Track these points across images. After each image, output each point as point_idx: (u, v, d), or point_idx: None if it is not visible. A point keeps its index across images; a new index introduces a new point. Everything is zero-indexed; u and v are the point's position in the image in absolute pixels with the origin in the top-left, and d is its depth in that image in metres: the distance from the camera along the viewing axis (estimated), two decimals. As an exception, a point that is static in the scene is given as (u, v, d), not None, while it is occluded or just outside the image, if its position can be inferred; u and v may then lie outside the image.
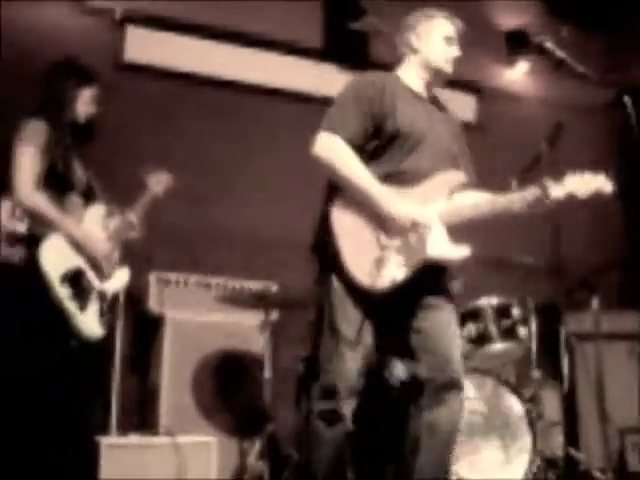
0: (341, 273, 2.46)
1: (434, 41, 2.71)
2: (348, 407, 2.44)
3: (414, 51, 2.73)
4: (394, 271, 2.44)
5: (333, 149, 2.50)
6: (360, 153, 2.53)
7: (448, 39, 2.71)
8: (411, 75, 2.73)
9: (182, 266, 4.34)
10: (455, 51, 2.72)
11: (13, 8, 4.37)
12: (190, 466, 3.45)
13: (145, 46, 4.73)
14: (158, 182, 3.52)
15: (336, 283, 2.49)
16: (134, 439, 3.54)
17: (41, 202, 3.02)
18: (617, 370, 4.54)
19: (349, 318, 2.45)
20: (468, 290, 4.10)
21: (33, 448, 2.88)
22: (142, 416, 4.15)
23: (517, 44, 5.75)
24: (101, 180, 3.39)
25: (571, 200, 2.42)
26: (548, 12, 5.94)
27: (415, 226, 2.45)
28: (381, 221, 2.47)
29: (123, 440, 3.52)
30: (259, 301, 3.91)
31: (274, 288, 4.33)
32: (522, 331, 3.82)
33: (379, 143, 2.56)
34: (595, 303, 4.10)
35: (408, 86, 2.70)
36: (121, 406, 3.89)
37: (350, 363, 2.44)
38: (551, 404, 4.21)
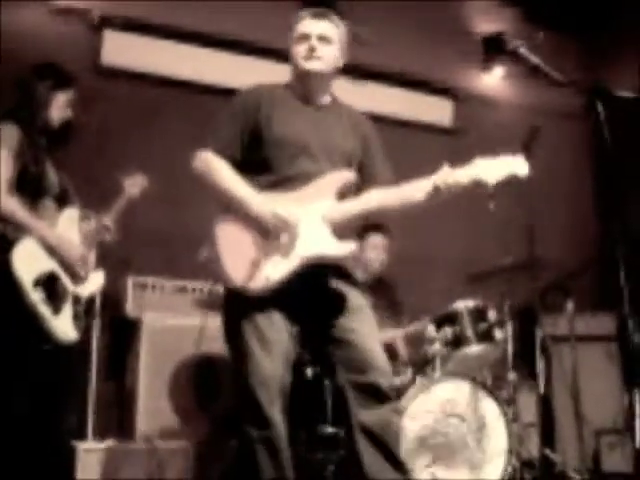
0: (223, 280, 2.51)
1: (293, 44, 2.72)
2: (277, 410, 2.41)
3: (290, 62, 2.76)
4: (268, 270, 2.45)
5: (204, 163, 2.61)
6: (244, 165, 2.60)
7: (301, 37, 2.68)
8: (295, 81, 2.75)
9: (159, 270, 4.33)
10: (311, 43, 2.66)
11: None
12: (167, 471, 3.44)
13: (123, 50, 4.72)
14: (134, 185, 3.52)
15: (230, 291, 2.53)
16: (111, 444, 3.52)
17: (13, 206, 3.00)
18: (592, 372, 4.60)
19: (249, 323, 2.46)
20: (444, 293, 4.15)
21: (8, 453, 2.86)
22: (119, 421, 4.13)
23: (493, 49, 5.78)
24: (78, 183, 3.37)
25: (479, 187, 2.44)
26: (524, 17, 6.01)
27: (284, 225, 2.47)
28: (259, 224, 2.50)
29: (100, 445, 3.50)
30: (219, 304, 3.89)
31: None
32: (498, 334, 3.84)
33: (262, 154, 2.60)
34: (570, 305, 4.15)
35: (292, 92, 2.72)
36: (98, 410, 3.88)
37: (267, 369, 2.41)
38: (527, 406, 4.24)
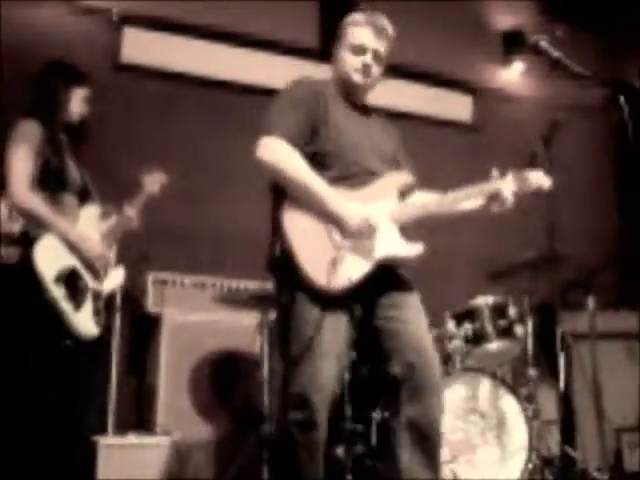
0: (299, 277, 2.42)
1: (343, 51, 2.69)
2: (324, 414, 2.39)
3: (334, 58, 2.75)
4: (349, 270, 2.42)
5: (278, 152, 2.49)
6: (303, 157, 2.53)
7: (358, 48, 2.65)
8: (336, 81, 2.73)
9: (179, 266, 4.35)
10: (366, 60, 2.65)
11: (10, 8, 4.38)
12: (186, 466, 3.46)
13: (142, 46, 4.74)
14: (153, 181, 3.53)
15: (297, 288, 2.45)
16: (131, 439, 3.54)
17: (35, 203, 3.02)
18: (613, 369, 4.55)
19: (316, 324, 2.40)
20: (464, 289, 4.13)
21: (30, 448, 2.89)
22: (139, 416, 4.15)
23: (513, 44, 5.77)
24: (98, 180, 3.39)
25: (516, 199, 2.53)
26: (543, 12, 5.97)
27: (365, 225, 2.45)
28: (333, 221, 2.46)
29: (120, 440, 3.52)
30: (256, 301, 3.92)
31: (270, 287, 4.33)
32: (518, 330, 3.82)
33: (318, 148, 2.56)
34: (591, 302, 4.12)
35: (337, 93, 2.70)
36: (118, 406, 3.90)
37: (324, 370, 2.39)
38: (547, 403, 4.22)
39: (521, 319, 3.87)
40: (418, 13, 5.37)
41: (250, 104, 4.92)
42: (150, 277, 4.22)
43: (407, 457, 2.43)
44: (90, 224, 3.27)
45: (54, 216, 3.05)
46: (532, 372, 3.89)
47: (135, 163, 3.61)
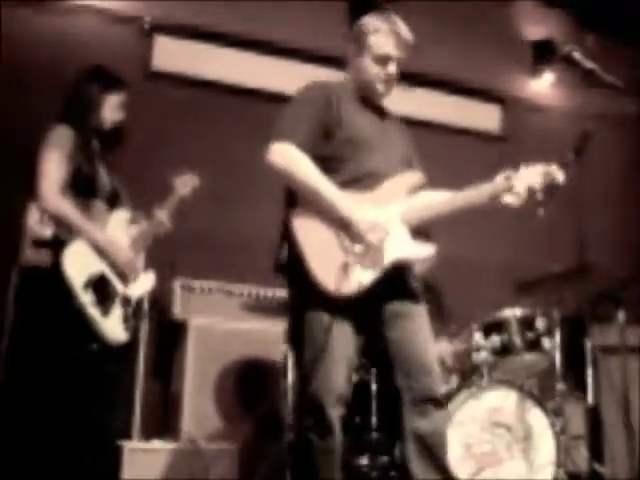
0: (310, 282, 2.42)
1: (367, 57, 2.66)
2: (336, 417, 2.41)
3: (352, 62, 2.73)
4: (360, 275, 2.42)
5: (288, 157, 2.50)
6: (314, 161, 2.53)
7: (383, 57, 2.64)
8: (359, 86, 2.72)
9: (207, 273, 4.36)
10: (390, 70, 2.65)
11: (44, 17, 4.45)
12: (211, 473, 3.46)
13: (172, 54, 4.79)
14: (185, 184, 3.54)
15: (308, 294, 2.46)
16: (156, 444, 3.55)
17: (65, 207, 3.05)
18: (643, 384, 4.49)
19: (326, 328, 2.41)
20: (492, 300, 4.09)
21: (56, 451, 2.91)
22: (164, 422, 4.16)
23: (543, 54, 5.74)
24: (129, 185, 3.42)
25: (531, 194, 2.45)
26: (573, 22, 5.93)
27: (374, 229, 2.44)
28: (343, 226, 2.45)
29: (145, 445, 3.53)
30: (283, 309, 3.91)
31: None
32: (547, 343, 3.78)
33: (330, 151, 2.56)
34: (621, 315, 4.06)
35: (352, 94, 2.70)
36: (143, 411, 3.91)
37: (334, 373, 2.41)
38: (575, 417, 4.16)
39: (549, 332, 3.83)
40: (448, 23, 5.37)
41: (278, 112, 4.96)
42: (177, 283, 4.24)
43: (416, 468, 2.45)
44: (119, 229, 3.29)
45: (84, 221, 3.08)
46: (560, 386, 3.84)
47: (164, 169, 3.63)
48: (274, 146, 2.53)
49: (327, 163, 2.54)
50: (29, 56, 4.33)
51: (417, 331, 2.54)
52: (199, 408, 4.01)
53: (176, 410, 4.06)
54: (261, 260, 4.65)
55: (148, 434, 3.82)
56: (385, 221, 2.48)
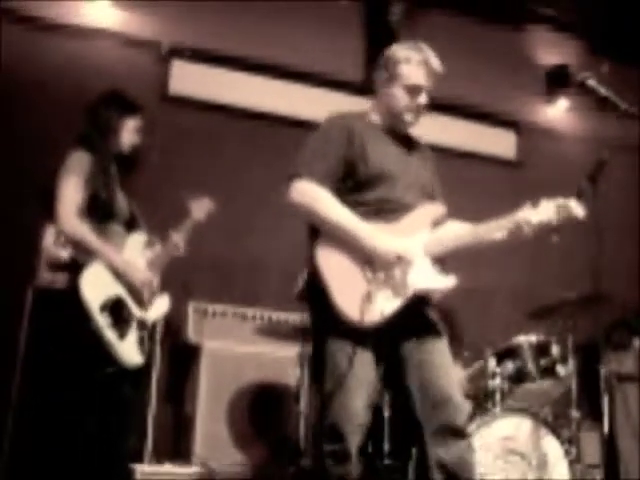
0: (332, 312, 2.44)
1: (396, 88, 2.66)
2: (355, 445, 2.43)
3: (380, 91, 2.73)
4: (382, 305, 2.44)
5: (309, 194, 2.53)
6: (337, 194, 2.55)
7: (412, 88, 2.64)
8: (380, 113, 2.73)
9: (220, 296, 4.37)
10: (420, 100, 2.65)
11: (60, 40, 4.51)
12: (223, 497, 3.45)
13: (190, 79, 4.83)
14: (200, 208, 3.56)
15: (331, 322, 2.47)
16: (168, 467, 3.54)
17: (83, 230, 3.08)
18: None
19: (349, 357, 2.43)
20: (505, 326, 4.07)
21: (69, 472, 2.90)
22: (176, 445, 4.15)
23: (558, 81, 5.75)
24: (144, 207, 3.44)
25: (546, 228, 2.46)
26: (588, 48, 5.94)
27: (398, 259, 2.45)
28: (366, 256, 2.47)
29: (157, 468, 3.52)
30: (296, 333, 3.91)
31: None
32: (561, 370, 3.75)
33: (354, 183, 2.58)
34: (637, 343, 4.03)
35: (377, 124, 2.71)
36: (156, 434, 3.90)
37: (355, 401, 2.43)
38: (591, 446, 4.12)
39: (564, 359, 3.80)
40: (463, 49, 5.39)
41: (294, 138, 4.98)
42: (191, 307, 4.25)
43: None
44: (136, 252, 3.30)
45: (101, 243, 3.09)
46: (575, 413, 3.80)
47: (180, 192, 3.64)
48: (294, 184, 2.56)
49: (350, 196, 2.56)
50: (46, 80, 4.39)
51: (437, 361, 2.53)
52: (212, 431, 4.01)
53: (188, 433, 4.05)
54: (275, 284, 4.70)
55: (160, 457, 3.81)
56: (409, 252, 2.48)
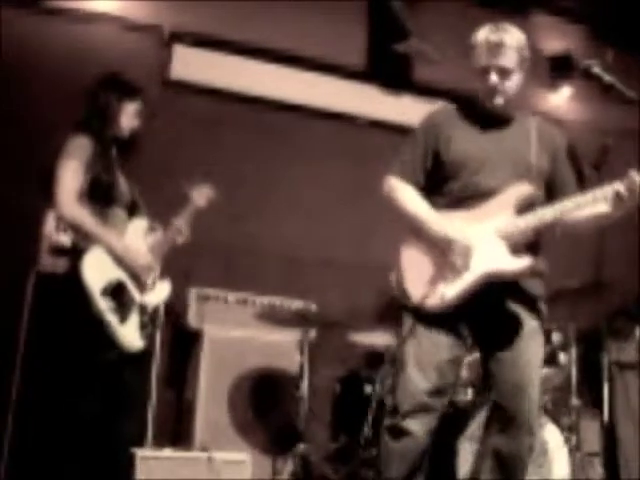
0: (405, 297, 2.60)
1: (474, 72, 2.68)
2: (417, 423, 2.49)
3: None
4: (444, 289, 2.50)
5: (392, 189, 2.71)
6: (429, 188, 2.68)
7: (479, 71, 2.64)
8: (476, 101, 2.72)
9: (221, 282, 4.37)
10: (492, 80, 2.61)
11: (62, 24, 4.49)
12: (223, 482, 3.45)
13: (191, 64, 4.81)
14: (201, 195, 3.56)
15: (405, 308, 2.62)
16: (169, 452, 3.55)
17: (82, 215, 3.06)
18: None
19: (416, 339, 2.54)
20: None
21: (69, 457, 2.91)
22: (177, 430, 4.17)
23: (561, 69, 5.72)
24: (146, 193, 3.42)
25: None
26: (592, 36, 5.91)
27: (455, 245, 2.49)
28: (436, 244, 2.55)
29: (158, 453, 3.53)
30: (297, 320, 3.92)
31: (313, 307, 4.34)
32: (562, 358, 3.76)
33: (441, 175, 2.66)
34: (638, 331, 4.03)
35: (467, 111, 2.72)
36: (157, 420, 3.91)
37: (416, 382, 2.51)
38: (590, 434, 4.12)
39: (565, 346, 3.80)
40: (465, 35, 5.35)
41: (296, 123, 4.98)
42: (192, 293, 4.24)
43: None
44: (137, 237, 3.29)
45: (101, 228, 3.08)
46: (575, 401, 3.80)
47: (182, 178, 3.64)
48: (385, 180, 2.74)
49: (438, 189, 2.67)
50: (46, 64, 4.37)
51: (520, 351, 2.54)
52: (212, 417, 4.02)
53: (189, 419, 4.06)
54: (276, 270, 4.70)
55: (161, 442, 3.82)
56: (476, 235, 2.50)
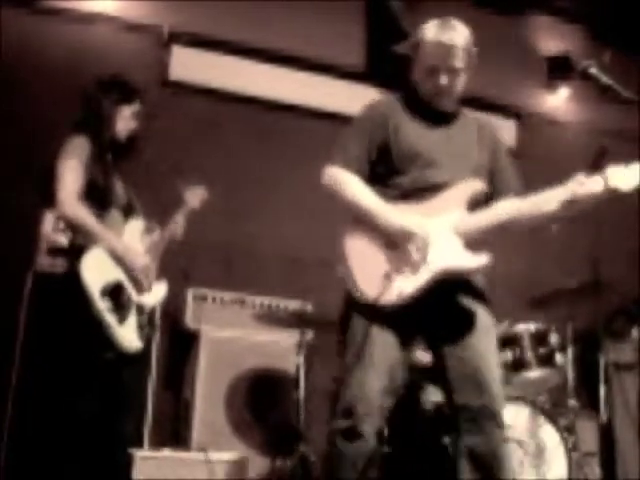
0: (355, 292, 2.48)
1: (420, 69, 2.65)
2: (370, 425, 2.42)
3: (413, 76, 2.70)
4: (401, 285, 2.42)
5: (334, 179, 2.61)
6: (373, 179, 2.59)
7: (428, 70, 2.61)
8: (420, 97, 2.70)
9: (220, 283, 4.37)
10: (441, 81, 2.59)
11: (60, 24, 4.49)
12: (221, 483, 3.46)
13: (190, 65, 4.82)
14: (195, 196, 3.56)
15: (354, 304, 2.51)
16: (166, 453, 3.55)
17: (83, 214, 3.07)
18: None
19: (364, 335, 2.43)
20: (504, 314, 4.07)
21: (67, 457, 2.91)
22: (175, 431, 4.17)
23: (559, 69, 5.73)
24: (142, 195, 3.43)
25: (614, 196, 2.38)
26: (590, 36, 5.92)
27: (413, 239, 2.44)
28: (387, 237, 2.48)
29: (156, 453, 3.53)
30: (295, 320, 3.92)
31: (310, 308, 4.35)
32: (559, 359, 3.76)
33: (388, 167, 2.60)
34: (636, 332, 4.04)
35: (417, 107, 2.68)
36: (155, 420, 3.91)
37: (370, 383, 2.42)
38: (588, 434, 4.13)
39: (562, 347, 3.80)
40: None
41: (294, 123, 4.98)
42: (190, 293, 4.25)
43: None
44: (134, 238, 3.30)
45: (102, 228, 3.09)
46: (572, 402, 3.81)
47: (179, 178, 3.64)
48: (326, 170, 2.65)
49: (384, 179, 2.60)
50: (45, 64, 4.38)
51: (476, 347, 2.50)
52: (210, 418, 4.02)
53: (187, 419, 4.06)
54: (274, 271, 4.70)
55: (159, 443, 3.82)
56: (432, 232, 2.45)
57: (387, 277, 2.42)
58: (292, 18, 5.03)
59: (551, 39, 5.88)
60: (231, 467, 3.53)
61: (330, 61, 5.15)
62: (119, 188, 3.28)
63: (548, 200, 2.44)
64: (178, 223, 3.45)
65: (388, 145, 2.59)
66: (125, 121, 3.31)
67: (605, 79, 2.57)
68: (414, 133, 2.61)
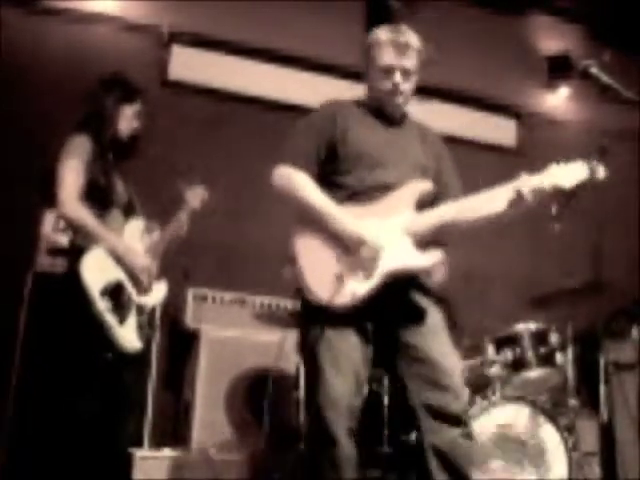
0: (308, 295, 2.47)
1: (374, 70, 2.67)
2: (342, 428, 2.40)
3: (365, 75, 2.73)
4: (354, 286, 2.43)
5: (285, 178, 2.61)
6: (321, 179, 2.59)
7: (384, 69, 2.63)
8: (371, 100, 2.73)
9: (219, 283, 4.37)
10: (395, 80, 2.62)
11: (60, 25, 4.49)
12: (221, 482, 3.46)
13: (190, 64, 4.82)
14: (195, 196, 3.56)
15: (308, 306, 2.50)
16: (167, 452, 3.55)
17: (84, 214, 3.06)
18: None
19: (322, 340, 2.43)
20: (504, 314, 4.07)
21: (68, 457, 2.91)
22: (175, 431, 4.17)
23: (559, 69, 5.73)
24: (143, 195, 3.43)
25: (558, 193, 2.42)
26: (590, 36, 5.91)
27: (365, 241, 2.44)
28: (339, 238, 2.48)
29: (156, 453, 3.53)
30: (295, 319, 3.91)
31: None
32: (559, 358, 3.76)
33: (336, 166, 2.61)
34: (636, 332, 4.04)
35: (367, 110, 2.71)
36: (155, 420, 3.92)
37: (336, 388, 2.41)
38: (588, 434, 4.13)
39: (562, 347, 3.80)
40: (463, 36, 5.37)
41: (294, 124, 4.97)
42: (190, 293, 4.25)
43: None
44: (134, 238, 3.29)
45: (102, 228, 3.08)
46: (572, 401, 3.80)
47: (179, 178, 3.64)
48: (276, 169, 2.64)
49: (332, 179, 2.60)
50: (46, 64, 4.38)
51: (431, 346, 2.51)
52: (210, 417, 4.02)
53: (187, 419, 4.06)
54: (274, 270, 4.67)
55: (159, 442, 3.82)
56: (384, 232, 2.47)
57: (339, 279, 2.42)
58: (292, 18, 5.03)
59: (551, 39, 5.88)
60: (231, 467, 3.53)
61: (330, 61, 5.15)
62: (120, 188, 3.27)
63: (494, 198, 2.48)
64: (182, 222, 3.44)
65: (335, 145, 2.61)
66: (127, 120, 3.30)
67: (605, 79, 2.58)
68: (363, 133, 2.64)
